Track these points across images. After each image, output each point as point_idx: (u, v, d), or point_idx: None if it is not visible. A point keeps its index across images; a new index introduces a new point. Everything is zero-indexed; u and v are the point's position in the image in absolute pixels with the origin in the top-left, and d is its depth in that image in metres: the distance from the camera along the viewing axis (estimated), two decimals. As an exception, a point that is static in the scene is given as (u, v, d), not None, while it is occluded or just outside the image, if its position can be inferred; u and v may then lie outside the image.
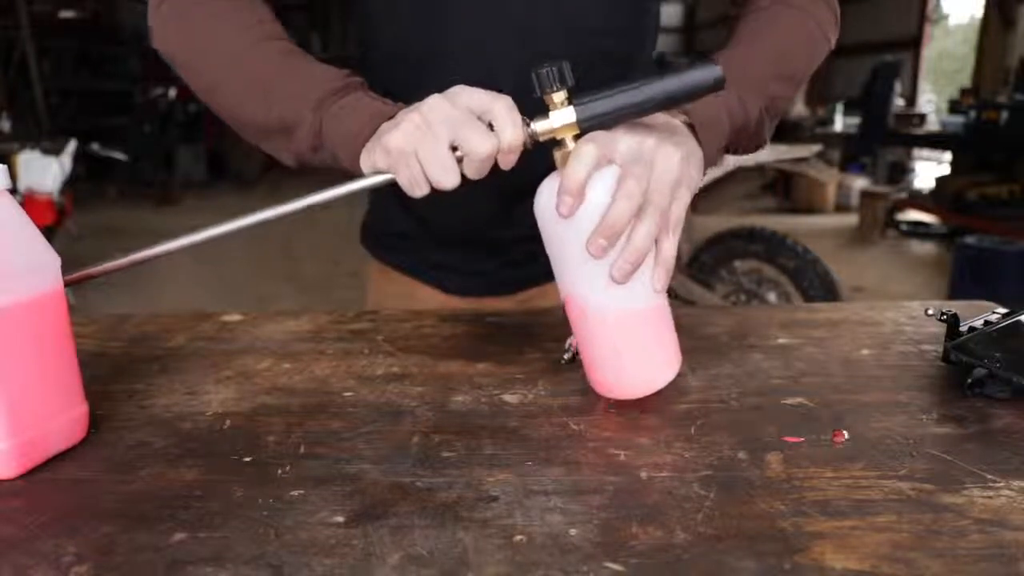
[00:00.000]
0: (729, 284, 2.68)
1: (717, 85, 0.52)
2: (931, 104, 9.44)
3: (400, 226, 0.90)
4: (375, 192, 0.93)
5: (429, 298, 0.90)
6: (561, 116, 0.52)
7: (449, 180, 0.53)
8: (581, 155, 0.50)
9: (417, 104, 0.55)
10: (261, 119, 0.64)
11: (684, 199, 0.54)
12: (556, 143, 0.53)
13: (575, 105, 0.52)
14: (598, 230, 0.50)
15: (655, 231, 0.52)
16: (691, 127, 0.60)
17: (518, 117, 0.53)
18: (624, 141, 0.53)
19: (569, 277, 0.54)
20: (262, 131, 0.66)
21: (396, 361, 0.68)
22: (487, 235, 0.85)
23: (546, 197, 0.52)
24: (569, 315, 0.56)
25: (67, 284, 0.53)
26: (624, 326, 0.54)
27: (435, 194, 0.55)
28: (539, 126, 0.52)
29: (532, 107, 0.54)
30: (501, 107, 0.52)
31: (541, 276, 0.88)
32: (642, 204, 0.51)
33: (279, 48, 0.65)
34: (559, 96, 0.51)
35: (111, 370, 0.66)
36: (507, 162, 0.54)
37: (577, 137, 0.52)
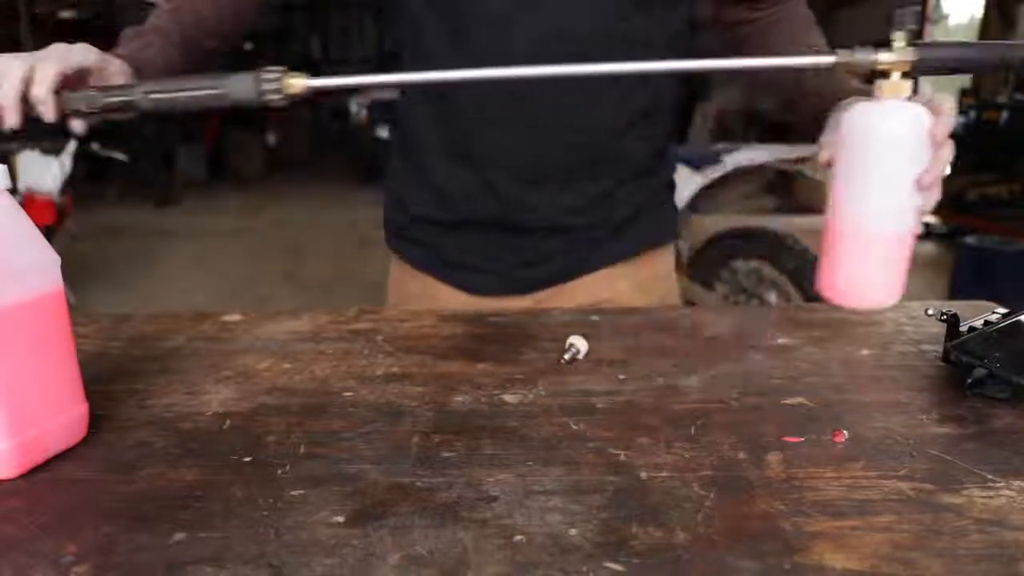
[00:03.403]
0: (729, 284, 2.67)
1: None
2: (931, 104, 9.40)
3: (418, 209, 0.90)
4: (393, 176, 0.96)
5: (449, 297, 0.90)
6: (903, 54, 0.58)
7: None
8: (949, 114, 0.60)
9: None
10: None
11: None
12: (882, 74, 0.59)
13: (915, 47, 0.58)
14: (933, 168, 0.59)
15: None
16: None
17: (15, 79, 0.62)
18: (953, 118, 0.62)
19: (863, 195, 0.59)
20: None
21: (396, 361, 0.68)
22: (506, 217, 0.85)
23: (887, 122, 0.59)
24: (839, 229, 0.59)
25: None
26: (893, 243, 0.58)
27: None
28: (883, 56, 0.58)
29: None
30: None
31: (557, 276, 0.88)
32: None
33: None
34: (904, 36, 0.58)
35: (111, 370, 0.67)
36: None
37: (905, 75, 0.59)
